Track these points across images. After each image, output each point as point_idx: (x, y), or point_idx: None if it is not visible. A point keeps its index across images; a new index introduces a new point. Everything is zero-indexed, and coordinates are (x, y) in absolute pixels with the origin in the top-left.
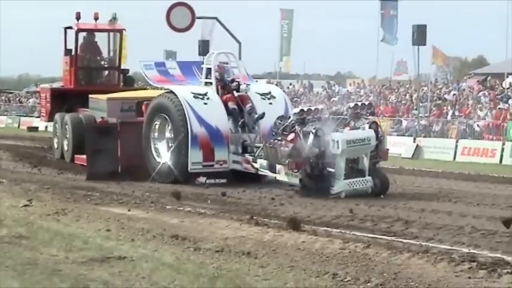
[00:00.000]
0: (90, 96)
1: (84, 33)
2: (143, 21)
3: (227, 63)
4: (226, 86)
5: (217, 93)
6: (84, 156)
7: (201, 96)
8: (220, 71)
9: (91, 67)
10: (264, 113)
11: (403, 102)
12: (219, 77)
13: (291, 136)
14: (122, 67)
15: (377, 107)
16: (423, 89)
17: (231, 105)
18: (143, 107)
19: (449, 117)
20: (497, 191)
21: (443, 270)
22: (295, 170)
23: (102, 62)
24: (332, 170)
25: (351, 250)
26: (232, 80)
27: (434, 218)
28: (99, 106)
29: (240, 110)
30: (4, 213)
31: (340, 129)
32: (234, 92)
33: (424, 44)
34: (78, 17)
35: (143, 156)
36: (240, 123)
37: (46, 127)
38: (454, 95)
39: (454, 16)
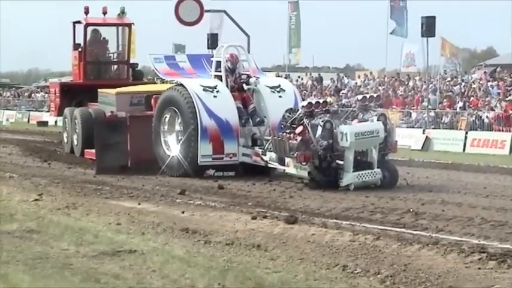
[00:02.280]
0: (99, 90)
1: (93, 28)
2: (152, 15)
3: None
4: (236, 79)
5: (227, 86)
6: (94, 151)
7: (210, 89)
8: (232, 61)
9: (100, 61)
10: (263, 120)
11: (410, 94)
12: (231, 66)
13: (300, 129)
14: (131, 61)
15: (386, 99)
16: (432, 81)
17: (236, 103)
18: (152, 101)
19: (458, 109)
20: (507, 182)
21: (453, 261)
22: (304, 163)
23: (111, 56)
24: (341, 162)
25: (361, 242)
26: (240, 74)
27: (444, 209)
28: (109, 100)
29: (245, 108)
30: (15, 207)
31: (349, 121)
32: (244, 85)
33: (433, 36)
34: (86, 12)
35: (153, 150)
36: (243, 120)
37: (56, 122)
38: (464, 86)
39: (463, 7)
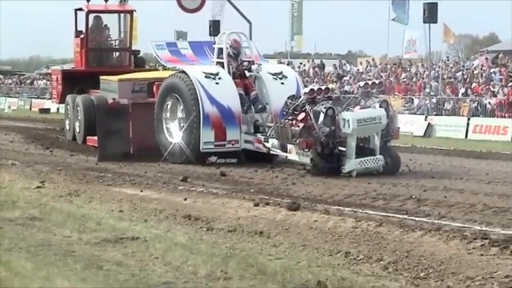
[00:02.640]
0: (101, 77)
1: (95, 15)
2: (153, 2)
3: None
4: (238, 66)
5: (229, 72)
6: (96, 138)
7: (212, 76)
8: (235, 46)
9: (102, 48)
10: (265, 107)
11: (413, 80)
12: (235, 51)
13: (302, 115)
14: (133, 48)
15: (386, 86)
16: (435, 67)
17: (238, 90)
18: (154, 88)
19: (460, 96)
20: (509, 169)
21: (456, 247)
22: (306, 150)
23: (113, 43)
24: (343, 149)
25: (363, 229)
26: (242, 61)
27: (446, 195)
28: (111, 87)
29: (247, 95)
30: (17, 195)
31: (351, 108)
32: (246, 71)
33: (435, 22)
34: None
35: (155, 137)
36: (245, 107)
37: (58, 109)
38: (466, 72)
39: None
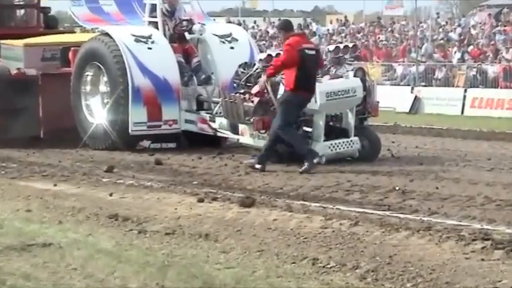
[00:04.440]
0: (1, 41)
1: None
2: None
3: None
4: (175, 27)
5: (164, 35)
6: None
7: (144, 40)
8: (169, 2)
9: (2, 5)
10: (211, 77)
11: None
12: (170, 9)
13: (257, 88)
14: (42, 5)
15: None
16: (422, 26)
17: (176, 57)
18: (70, 55)
19: (455, 61)
20: None
21: (450, 251)
22: (263, 131)
23: None
24: (309, 129)
25: (335, 229)
26: (181, 20)
27: (438, 186)
28: (14, 54)
29: (187, 62)
30: None
31: (318, 78)
32: (186, 33)
33: None
34: None
35: (71, 117)
36: (186, 78)
37: None
38: (462, 32)
39: None
